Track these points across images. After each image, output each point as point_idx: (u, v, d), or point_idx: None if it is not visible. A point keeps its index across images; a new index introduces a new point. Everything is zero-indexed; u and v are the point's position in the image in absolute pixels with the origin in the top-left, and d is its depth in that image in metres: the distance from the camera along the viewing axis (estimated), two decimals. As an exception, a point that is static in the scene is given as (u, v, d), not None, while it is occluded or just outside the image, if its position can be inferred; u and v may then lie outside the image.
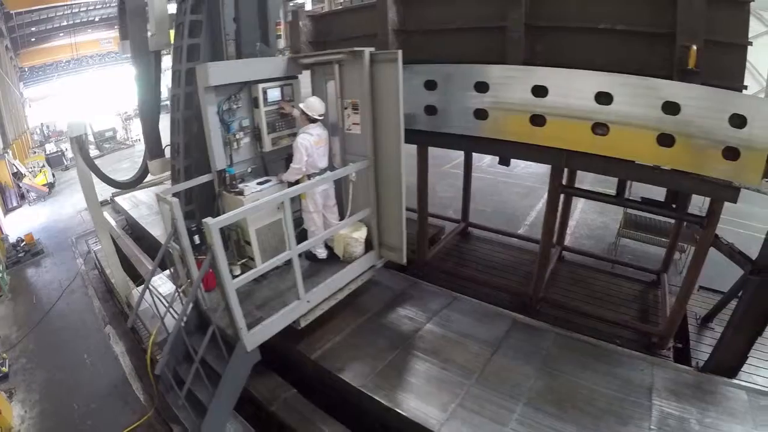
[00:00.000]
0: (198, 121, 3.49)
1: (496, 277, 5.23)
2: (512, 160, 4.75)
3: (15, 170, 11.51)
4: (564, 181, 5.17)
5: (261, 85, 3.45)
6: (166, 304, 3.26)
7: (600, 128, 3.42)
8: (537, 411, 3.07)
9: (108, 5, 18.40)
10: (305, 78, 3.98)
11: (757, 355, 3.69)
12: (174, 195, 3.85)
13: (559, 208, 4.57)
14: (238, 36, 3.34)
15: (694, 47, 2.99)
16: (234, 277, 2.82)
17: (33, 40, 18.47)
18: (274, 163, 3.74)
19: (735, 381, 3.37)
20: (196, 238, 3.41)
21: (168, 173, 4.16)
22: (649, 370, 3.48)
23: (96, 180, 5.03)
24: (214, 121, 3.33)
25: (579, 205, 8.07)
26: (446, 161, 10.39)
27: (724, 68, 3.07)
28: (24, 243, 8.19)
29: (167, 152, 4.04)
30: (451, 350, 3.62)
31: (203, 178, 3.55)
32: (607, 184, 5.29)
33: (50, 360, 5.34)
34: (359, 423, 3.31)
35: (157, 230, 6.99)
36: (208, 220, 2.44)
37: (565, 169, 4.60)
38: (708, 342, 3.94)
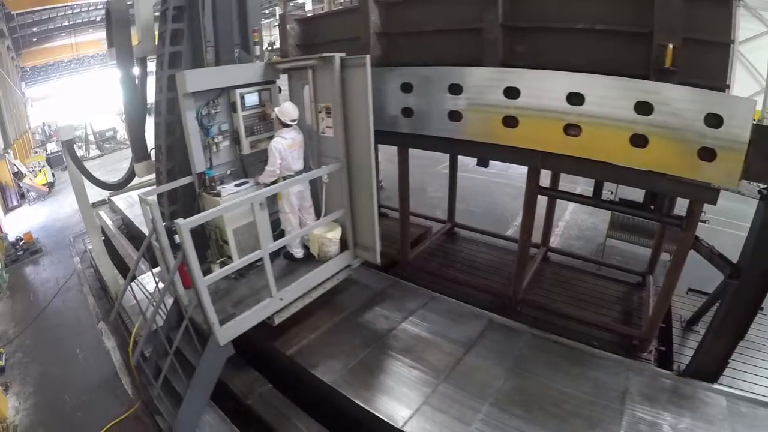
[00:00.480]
0: (180, 125, 3.71)
1: (479, 277, 5.37)
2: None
3: (15, 170, 11.94)
4: (549, 182, 5.35)
5: (239, 91, 3.67)
6: (149, 299, 3.49)
7: (573, 129, 3.48)
8: (503, 412, 3.14)
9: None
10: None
11: (742, 359, 3.75)
12: (158, 196, 4.14)
13: (536, 209, 4.64)
14: (217, 43, 3.55)
15: (670, 46, 3.02)
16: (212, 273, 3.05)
17: (35, 40, 18.98)
18: (253, 165, 3.95)
19: (715, 386, 3.36)
20: (176, 237, 3.64)
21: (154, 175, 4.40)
22: (625, 374, 3.49)
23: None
24: (193, 125, 3.55)
25: (570, 206, 8.18)
26: (439, 162, 10.54)
27: (707, 67, 3.08)
28: (23, 242, 8.55)
29: (153, 155, 4.27)
30: (423, 349, 3.75)
31: (184, 180, 3.78)
32: (607, 185, 5.35)
33: (45, 355, 5.64)
34: (335, 420, 3.46)
35: (150, 229, 7.26)
36: (179, 221, 2.66)
37: (550, 171, 4.74)
38: (692, 345, 3.95)
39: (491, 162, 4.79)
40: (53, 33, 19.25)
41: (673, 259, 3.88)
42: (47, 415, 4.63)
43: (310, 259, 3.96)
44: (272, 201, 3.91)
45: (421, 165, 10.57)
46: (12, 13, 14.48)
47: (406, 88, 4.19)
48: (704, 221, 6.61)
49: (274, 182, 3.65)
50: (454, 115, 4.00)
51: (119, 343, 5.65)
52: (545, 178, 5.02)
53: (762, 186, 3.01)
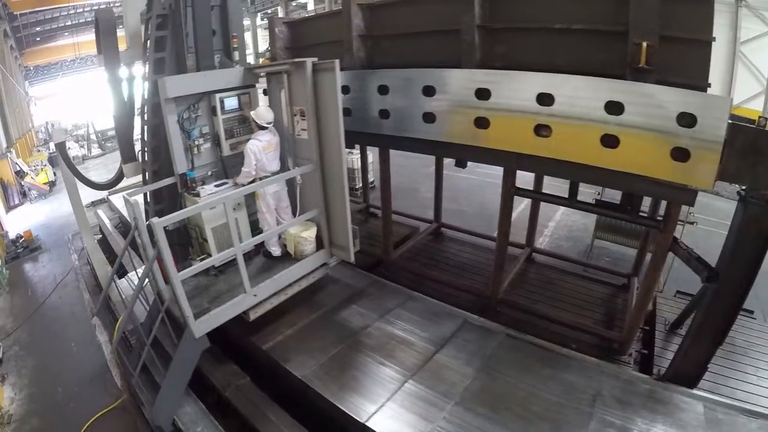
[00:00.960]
0: (164, 128, 3.96)
1: (462, 277, 5.48)
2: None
3: (18, 168, 12.41)
4: (533, 183, 5.47)
5: (218, 95, 3.91)
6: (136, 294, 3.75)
7: (544, 130, 3.52)
8: (467, 411, 3.20)
9: (111, 6, 19.33)
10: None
11: (727, 364, 3.80)
12: (146, 195, 4.41)
13: (511, 209, 4.70)
14: (197, 50, 3.80)
15: (644, 44, 3.00)
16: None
17: (38, 39, 19.57)
18: (233, 166, 4.18)
19: (693, 391, 3.35)
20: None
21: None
22: (599, 377, 3.51)
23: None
24: (174, 129, 3.81)
25: (560, 207, 8.30)
26: (433, 162, 10.69)
27: (686, 66, 3.05)
28: (23, 239, 8.95)
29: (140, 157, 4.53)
30: (394, 347, 3.86)
31: (167, 181, 4.04)
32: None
33: (41, 348, 5.98)
34: (308, 414, 3.58)
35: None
36: (154, 220, 2.90)
37: (527, 172, 4.84)
38: (674, 349, 3.95)
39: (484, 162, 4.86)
40: (56, 33, 19.83)
41: (652, 262, 3.87)
42: (41, 405, 4.95)
43: (288, 258, 4.18)
44: (252, 201, 4.15)
45: (415, 165, 10.76)
46: (15, 13, 14.99)
47: (383, 90, 4.34)
48: (692, 222, 6.73)
49: (252, 183, 3.89)
50: (429, 117, 4.12)
51: (111, 337, 5.97)
52: (531, 178, 5.16)
53: (741, 187, 2.94)
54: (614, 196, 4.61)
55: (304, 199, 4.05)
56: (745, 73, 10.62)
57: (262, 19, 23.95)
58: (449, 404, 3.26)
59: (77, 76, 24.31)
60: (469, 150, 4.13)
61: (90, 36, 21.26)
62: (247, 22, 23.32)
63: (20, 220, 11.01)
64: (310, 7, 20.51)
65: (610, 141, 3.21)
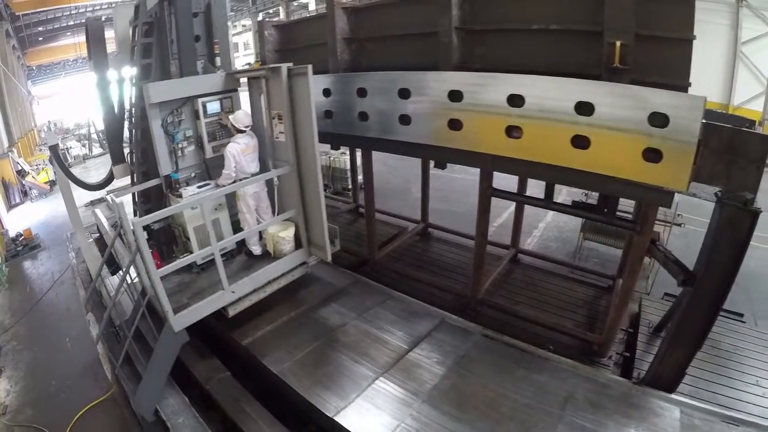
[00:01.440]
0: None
1: (445, 277, 5.61)
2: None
3: (19, 168, 12.85)
4: (517, 184, 5.61)
5: (201, 100, 4.15)
6: (118, 289, 4.02)
7: (515, 131, 3.58)
8: (434, 409, 3.26)
9: (114, 6, 19.80)
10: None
11: (711, 368, 3.84)
12: (133, 195, 4.68)
13: (489, 210, 4.80)
14: (180, 56, 4.04)
15: (618, 43, 3.01)
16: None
17: (40, 39, 20.09)
18: (216, 168, 4.42)
19: (671, 396, 3.34)
20: (144, 233, 4.16)
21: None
22: (574, 379, 3.52)
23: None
24: (159, 132, 4.06)
25: (550, 207, 8.43)
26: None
27: (666, 65, 3.04)
28: (22, 237, 9.34)
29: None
30: (368, 345, 3.97)
31: (153, 182, 4.29)
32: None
33: (37, 343, 6.32)
34: (284, 408, 3.71)
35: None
36: (134, 219, 3.15)
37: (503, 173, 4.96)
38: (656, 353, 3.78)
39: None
40: (58, 32, 20.32)
41: (629, 264, 3.98)
42: (35, 396, 5.27)
43: (268, 257, 4.41)
44: (234, 202, 4.39)
45: (409, 166, 10.92)
46: (17, 13, 15.46)
47: (362, 92, 4.49)
48: (679, 224, 6.82)
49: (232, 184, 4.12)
50: (405, 119, 4.23)
51: (106, 333, 6.27)
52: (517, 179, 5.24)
53: (717, 189, 2.88)
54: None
55: (282, 199, 4.28)
56: (746, 73, 10.63)
57: (264, 19, 24.33)
58: (417, 402, 3.34)
59: (79, 76, 24.88)
60: (444, 151, 4.23)
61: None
62: (248, 22, 23.73)
63: (21, 219, 11.45)
64: (312, 7, 20.78)
65: (580, 142, 3.24)
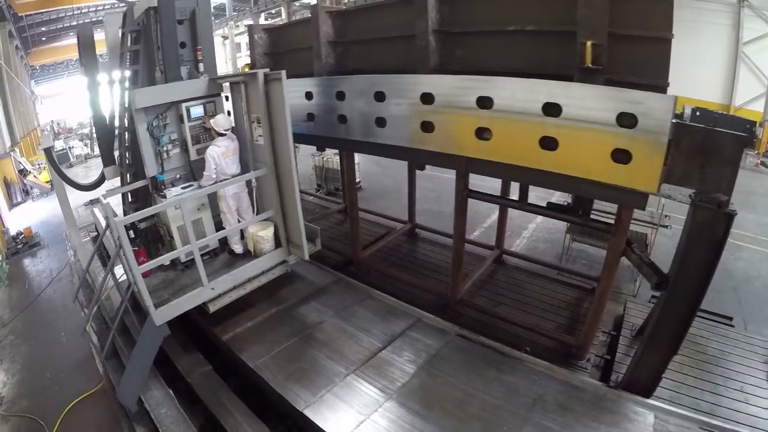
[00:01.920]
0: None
1: (428, 278, 5.76)
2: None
3: (21, 167, 13.33)
4: (501, 187, 5.75)
5: (184, 104, 4.42)
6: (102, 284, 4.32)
7: (486, 133, 3.68)
8: (401, 406, 3.39)
9: (116, 6, 20.29)
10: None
11: (695, 373, 3.88)
12: (124, 195, 4.98)
13: (466, 210, 4.88)
14: (164, 63, 4.31)
15: (588, 43, 3.02)
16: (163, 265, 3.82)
17: (44, 39, 20.66)
18: (200, 170, 4.68)
19: (647, 401, 3.34)
20: (131, 232, 4.45)
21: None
22: (545, 381, 3.57)
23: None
24: (144, 136, 4.34)
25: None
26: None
27: (643, 65, 3.04)
28: (23, 236, 9.74)
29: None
30: (343, 342, 4.15)
31: (139, 183, 4.58)
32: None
33: (34, 337, 6.67)
34: (261, 401, 3.92)
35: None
36: (116, 219, 3.42)
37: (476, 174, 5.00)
38: None
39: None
40: (61, 32, 20.87)
41: (604, 266, 4.02)
42: (29, 388, 5.60)
43: (249, 255, 4.66)
44: (217, 203, 4.65)
45: (402, 166, 11.07)
46: (20, 14, 15.97)
47: (340, 96, 4.70)
48: (665, 226, 6.92)
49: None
50: (380, 121, 4.42)
51: (98, 328, 6.59)
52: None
53: (692, 191, 2.84)
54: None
55: (261, 200, 4.53)
56: (747, 74, 10.65)
57: (266, 20, 24.69)
58: (385, 399, 3.47)
59: (82, 76, 25.48)
60: (420, 153, 4.37)
61: (95, 36, 22.33)
62: (251, 22, 24.15)
63: (22, 218, 11.89)
64: (313, 6, 21.06)
65: (549, 143, 3.30)
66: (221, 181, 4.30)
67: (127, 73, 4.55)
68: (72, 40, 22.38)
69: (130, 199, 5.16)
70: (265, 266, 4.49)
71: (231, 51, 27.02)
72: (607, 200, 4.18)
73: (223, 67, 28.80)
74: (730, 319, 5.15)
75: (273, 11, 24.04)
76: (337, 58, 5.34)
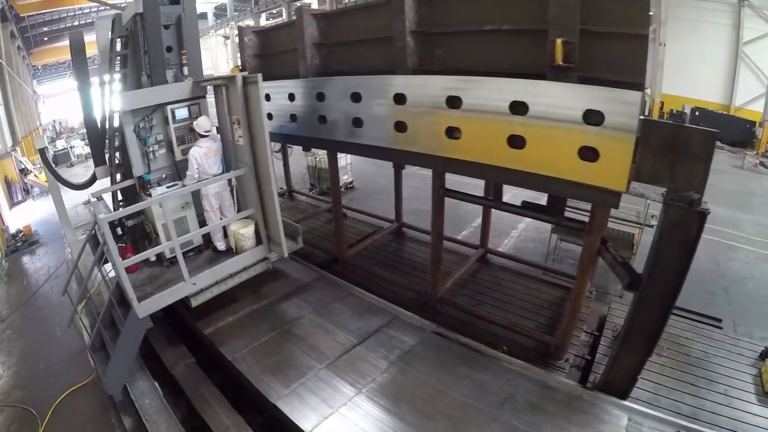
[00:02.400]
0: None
1: (411, 276, 5.94)
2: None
3: (22, 166, 13.79)
4: (484, 187, 5.92)
5: (170, 107, 4.70)
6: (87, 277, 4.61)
7: (456, 132, 3.80)
8: (370, 401, 3.51)
9: (117, 6, 20.79)
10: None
11: (678, 375, 3.92)
12: (114, 194, 5.28)
13: (443, 209, 5.05)
14: (150, 67, 4.59)
15: (558, 41, 3.04)
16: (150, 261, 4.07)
17: (45, 39, 21.23)
18: (185, 170, 4.96)
19: (622, 402, 3.36)
20: (119, 230, 4.76)
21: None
22: (518, 380, 3.63)
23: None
24: (131, 137, 4.62)
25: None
26: (415, 161, 11.28)
27: (622, 62, 3.03)
28: (22, 234, 10.14)
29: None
30: (319, 338, 4.34)
31: (127, 183, 4.87)
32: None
33: (30, 332, 7.01)
34: (240, 394, 4.11)
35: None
36: (101, 216, 3.70)
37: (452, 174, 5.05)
38: None
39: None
40: (63, 32, 21.42)
41: (579, 266, 4.13)
42: (24, 380, 5.92)
43: (232, 252, 4.92)
44: (201, 201, 4.93)
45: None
46: (22, 15, 16.49)
47: (320, 97, 4.95)
48: (651, 226, 7.05)
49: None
50: (357, 122, 4.64)
51: (91, 323, 6.92)
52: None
53: (664, 189, 2.85)
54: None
55: (242, 198, 4.80)
56: (747, 74, 10.69)
57: (267, 20, 25.07)
58: (355, 393, 3.61)
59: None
60: (396, 153, 4.57)
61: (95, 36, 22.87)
62: (251, 22, 24.55)
63: (22, 216, 12.32)
64: (314, 7, 21.42)
65: (516, 142, 3.38)
66: (204, 180, 4.57)
67: (116, 77, 4.84)
68: (74, 40, 23.05)
69: (119, 198, 5.47)
70: (245, 263, 4.74)
71: (232, 51, 27.49)
72: (579, 199, 4.18)
73: (225, 67, 29.27)
74: (719, 321, 5.16)
75: (274, 11, 24.42)
76: (322, 59, 5.56)
